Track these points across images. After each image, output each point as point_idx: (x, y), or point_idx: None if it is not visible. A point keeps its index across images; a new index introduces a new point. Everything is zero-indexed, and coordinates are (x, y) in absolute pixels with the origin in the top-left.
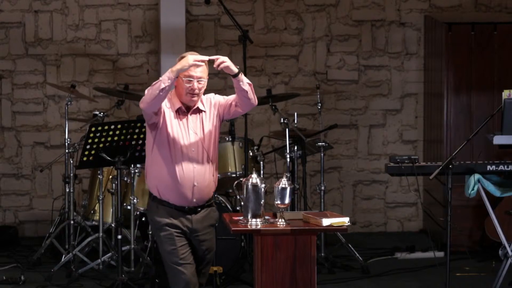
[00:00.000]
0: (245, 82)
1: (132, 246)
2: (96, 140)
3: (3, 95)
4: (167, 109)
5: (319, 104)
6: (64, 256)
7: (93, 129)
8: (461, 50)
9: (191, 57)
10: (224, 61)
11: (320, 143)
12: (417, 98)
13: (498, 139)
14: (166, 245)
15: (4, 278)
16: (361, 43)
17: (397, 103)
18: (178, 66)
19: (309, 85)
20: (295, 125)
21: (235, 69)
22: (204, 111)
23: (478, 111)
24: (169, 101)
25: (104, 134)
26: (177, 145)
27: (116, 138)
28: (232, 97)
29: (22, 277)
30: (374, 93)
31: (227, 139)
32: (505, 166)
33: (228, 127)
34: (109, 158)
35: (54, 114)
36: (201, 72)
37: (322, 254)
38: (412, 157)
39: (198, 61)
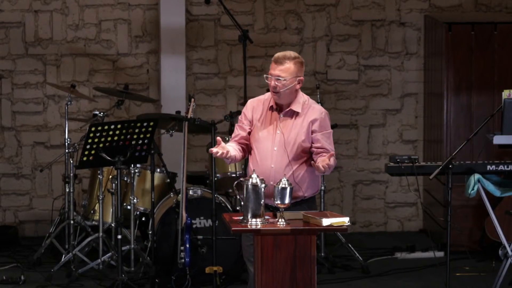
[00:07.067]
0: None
1: (132, 246)
2: (96, 140)
3: (3, 95)
4: (259, 108)
5: (319, 104)
6: (64, 256)
7: (93, 129)
8: (461, 50)
9: (212, 151)
10: (323, 171)
11: None
12: (417, 98)
13: (498, 139)
14: (243, 239)
15: (4, 278)
16: (361, 43)
17: (397, 103)
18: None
19: (309, 85)
20: None
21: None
22: (299, 113)
23: (478, 111)
24: (263, 102)
25: (104, 134)
26: (261, 142)
27: (116, 138)
28: (318, 149)
29: (22, 277)
30: (374, 93)
31: (227, 139)
32: (505, 166)
33: (228, 127)
34: (109, 158)
35: (54, 114)
36: (280, 70)
37: (322, 254)
38: (412, 157)
39: (214, 153)
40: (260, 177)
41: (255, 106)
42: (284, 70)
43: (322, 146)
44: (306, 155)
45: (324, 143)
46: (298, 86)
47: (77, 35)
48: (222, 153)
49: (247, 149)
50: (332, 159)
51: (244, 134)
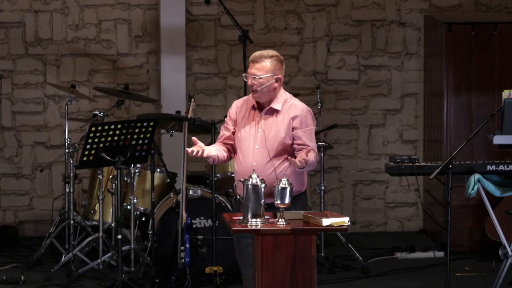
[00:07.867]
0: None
1: (132, 246)
2: (96, 140)
3: (3, 95)
4: (243, 108)
5: (319, 104)
6: (64, 256)
7: (93, 129)
8: (461, 50)
9: (188, 150)
10: (300, 166)
11: (320, 143)
12: (417, 98)
13: (498, 139)
14: (234, 241)
15: (4, 278)
16: (361, 43)
17: (397, 103)
18: None
19: (309, 85)
20: None
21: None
22: (279, 111)
23: (478, 111)
24: (247, 101)
25: (104, 134)
26: (243, 140)
27: (116, 138)
28: (299, 145)
29: (22, 277)
30: (374, 93)
31: None
32: (505, 166)
33: None
34: (109, 158)
35: (54, 114)
36: (256, 69)
37: (322, 254)
38: (412, 157)
39: (189, 152)
40: (243, 175)
41: (239, 106)
42: (260, 68)
43: (303, 143)
44: (288, 153)
45: (305, 140)
46: (276, 85)
47: (77, 35)
48: (198, 151)
49: (232, 149)
50: (310, 154)
51: (228, 134)
